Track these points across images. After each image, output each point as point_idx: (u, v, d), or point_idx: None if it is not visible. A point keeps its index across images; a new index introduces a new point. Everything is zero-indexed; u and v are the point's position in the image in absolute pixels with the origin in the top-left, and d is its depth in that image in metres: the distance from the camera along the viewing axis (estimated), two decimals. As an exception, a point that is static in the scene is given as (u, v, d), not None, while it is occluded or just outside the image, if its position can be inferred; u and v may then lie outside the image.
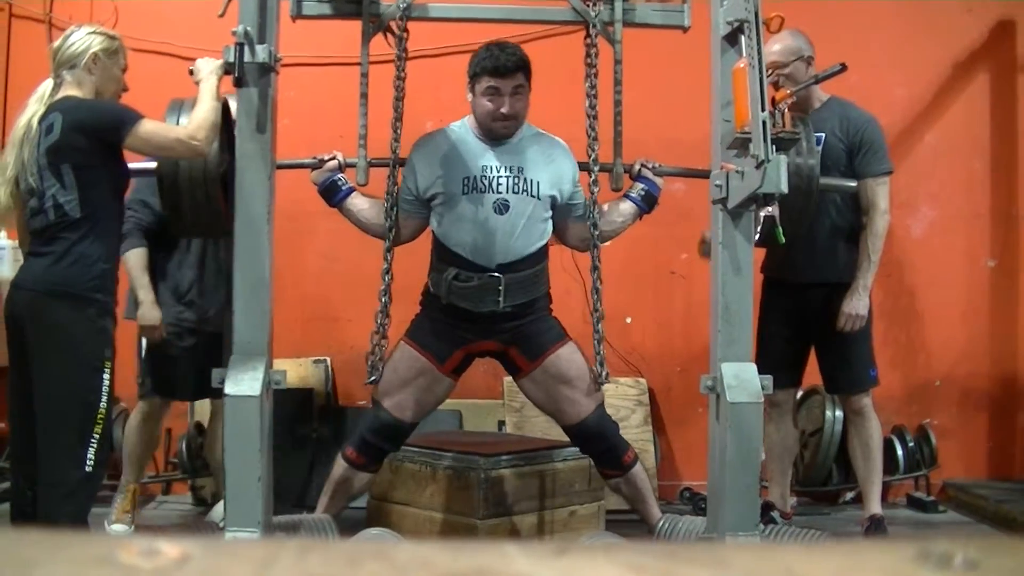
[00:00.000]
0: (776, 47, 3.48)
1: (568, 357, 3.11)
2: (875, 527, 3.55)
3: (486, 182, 3.02)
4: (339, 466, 3.12)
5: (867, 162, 3.46)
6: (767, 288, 3.68)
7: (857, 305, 3.44)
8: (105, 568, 0.55)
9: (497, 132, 3.04)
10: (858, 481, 3.70)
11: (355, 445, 3.11)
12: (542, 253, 3.12)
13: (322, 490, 3.18)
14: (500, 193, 3.02)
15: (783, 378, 3.47)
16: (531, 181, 3.04)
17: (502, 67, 2.99)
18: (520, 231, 3.03)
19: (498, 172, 3.03)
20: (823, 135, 3.46)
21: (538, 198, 3.04)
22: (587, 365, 3.10)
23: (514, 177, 3.03)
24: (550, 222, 3.12)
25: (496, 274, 3.00)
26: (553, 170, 3.08)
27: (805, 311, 3.59)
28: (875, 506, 3.59)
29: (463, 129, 3.11)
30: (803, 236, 3.33)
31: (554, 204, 3.10)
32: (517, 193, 3.03)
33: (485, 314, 3.02)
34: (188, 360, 3.52)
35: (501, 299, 3.00)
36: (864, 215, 3.49)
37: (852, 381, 3.60)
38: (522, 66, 3.03)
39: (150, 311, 3.44)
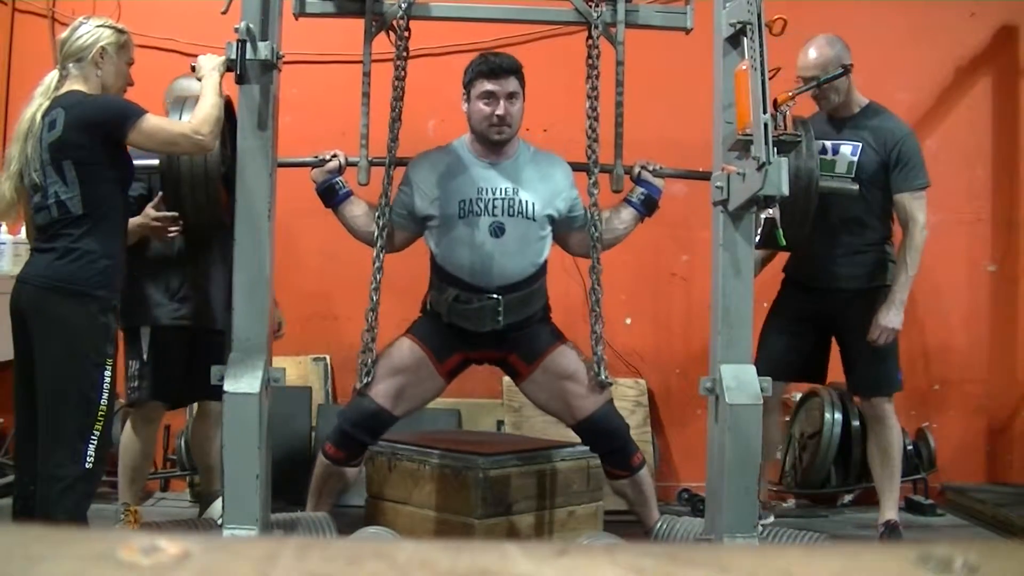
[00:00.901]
0: (814, 58, 3.43)
1: (566, 354, 3.14)
2: (890, 533, 3.54)
3: (481, 205, 3.04)
4: (319, 464, 3.13)
5: (904, 177, 3.44)
6: (786, 287, 3.68)
7: (894, 319, 3.43)
8: (106, 565, 0.55)
9: (491, 138, 3.05)
10: (875, 486, 3.67)
11: (333, 439, 3.10)
12: (541, 270, 3.16)
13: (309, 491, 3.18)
14: (495, 216, 3.04)
15: (776, 372, 3.43)
16: (526, 202, 3.06)
17: (497, 68, 3.03)
18: (517, 252, 3.06)
19: (493, 194, 3.05)
20: (859, 145, 3.45)
21: (534, 219, 3.07)
22: (588, 362, 3.11)
23: (509, 199, 3.05)
24: (548, 238, 3.15)
25: (496, 296, 3.03)
26: (548, 188, 3.10)
27: (823, 314, 3.58)
28: (891, 512, 3.58)
29: (460, 149, 3.12)
30: (829, 242, 3.34)
31: (552, 220, 3.12)
32: (512, 216, 3.05)
33: (486, 332, 3.07)
34: (189, 358, 3.39)
35: (501, 318, 3.04)
36: (903, 228, 3.48)
37: (877, 385, 3.59)
38: (516, 70, 3.06)
39: (137, 222, 3.16)
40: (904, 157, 3.45)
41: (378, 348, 3.08)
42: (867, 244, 3.52)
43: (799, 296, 3.60)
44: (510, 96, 3.03)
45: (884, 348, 3.48)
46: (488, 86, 3.02)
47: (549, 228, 3.13)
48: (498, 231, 3.04)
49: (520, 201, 3.05)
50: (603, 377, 3.05)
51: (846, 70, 3.15)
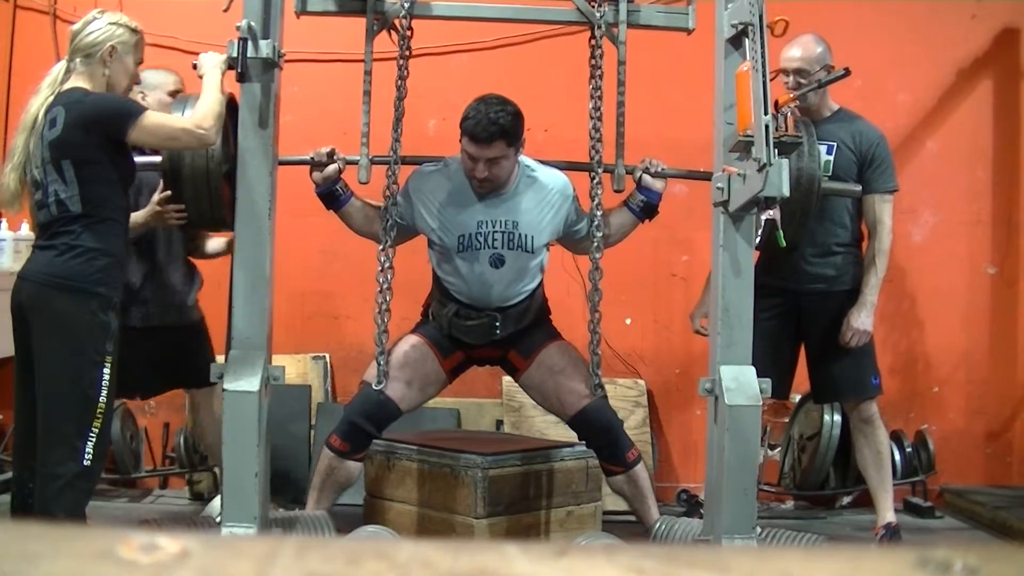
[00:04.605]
0: (798, 52, 3.43)
1: (559, 349, 3.20)
2: (892, 535, 3.53)
3: (481, 239, 3.07)
4: (324, 456, 3.13)
5: (875, 178, 3.45)
6: (756, 292, 3.64)
7: (865, 321, 3.43)
8: (105, 563, 0.55)
9: (475, 190, 3.05)
10: (870, 489, 3.64)
11: (339, 431, 3.11)
12: (539, 283, 3.23)
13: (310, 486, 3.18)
14: (495, 248, 3.08)
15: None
16: (525, 237, 3.09)
17: (479, 135, 2.93)
18: (515, 280, 3.13)
19: (493, 227, 3.07)
20: (834, 144, 3.45)
21: (532, 252, 3.11)
22: (582, 359, 3.15)
23: (508, 232, 3.08)
24: (546, 256, 3.21)
25: (494, 312, 3.12)
26: (548, 219, 3.13)
27: (799, 317, 3.57)
28: (889, 514, 3.57)
29: (460, 173, 3.10)
30: (802, 241, 3.32)
31: (551, 243, 3.19)
32: (512, 249, 3.09)
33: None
34: (144, 358, 3.31)
35: (499, 332, 3.14)
36: (869, 231, 3.48)
37: (854, 388, 3.57)
38: (501, 134, 2.93)
39: (144, 214, 3.19)
40: (878, 159, 3.46)
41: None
42: (840, 244, 3.51)
43: (775, 301, 3.52)
44: (491, 161, 2.97)
45: (860, 350, 3.48)
46: (470, 149, 2.96)
47: (547, 250, 3.20)
48: (498, 262, 3.08)
49: (520, 235, 3.08)
50: (597, 381, 3.06)
51: (847, 72, 3.14)
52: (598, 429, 3.12)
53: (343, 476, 3.12)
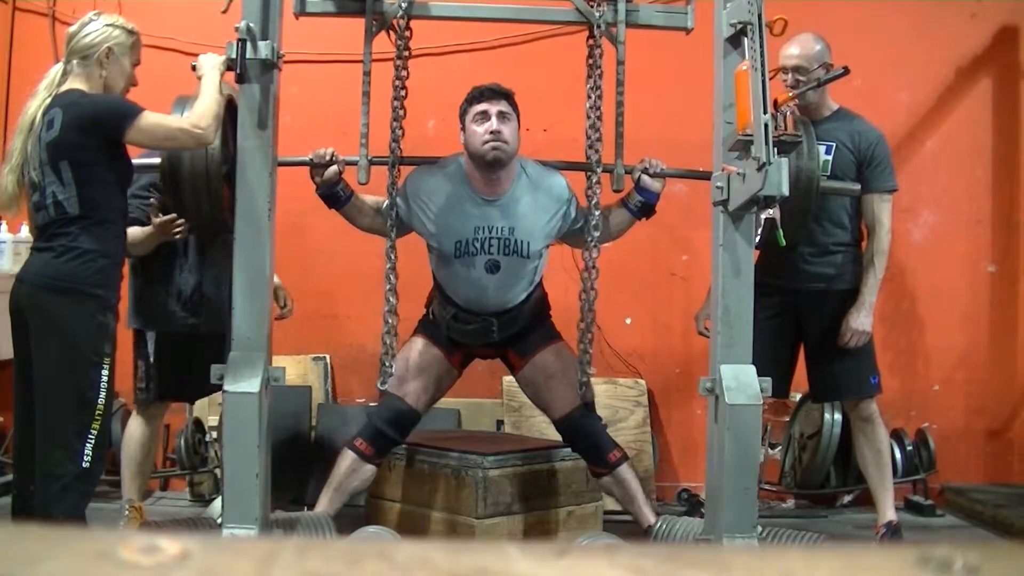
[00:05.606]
0: (796, 50, 3.43)
1: (555, 353, 3.24)
2: (893, 533, 3.53)
3: (477, 244, 3.09)
4: (346, 458, 3.15)
5: (875, 177, 3.44)
6: (756, 291, 3.63)
7: (864, 321, 3.43)
8: (106, 564, 0.55)
9: (488, 157, 3.02)
10: (870, 488, 3.64)
11: (366, 435, 3.15)
12: (537, 286, 3.26)
13: (324, 486, 3.19)
14: (491, 254, 3.10)
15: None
16: (522, 242, 3.10)
17: (487, 91, 3.08)
18: (512, 285, 3.16)
19: (490, 232, 3.09)
20: (833, 144, 3.45)
21: (528, 257, 3.13)
22: (576, 364, 3.14)
23: (505, 239, 3.10)
24: (544, 258, 3.23)
25: (491, 318, 3.18)
26: (544, 222, 3.13)
27: (798, 316, 3.57)
28: (890, 512, 3.57)
29: (458, 176, 3.12)
30: (802, 240, 3.32)
31: (549, 244, 3.22)
32: (508, 255, 3.10)
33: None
34: (198, 364, 3.35)
35: (496, 335, 3.21)
36: (868, 230, 3.48)
37: (854, 387, 3.57)
38: (507, 94, 3.09)
39: (148, 231, 3.23)
40: (878, 158, 3.46)
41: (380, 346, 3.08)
42: (839, 244, 3.51)
43: (772, 300, 3.48)
44: (502, 115, 3.04)
45: (859, 349, 3.47)
46: (479, 107, 3.05)
47: (546, 253, 3.22)
48: (493, 268, 3.11)
49: (516, 241, 3.10)
50: (585, 380, 3.05)
51: (846, 71, 3.14)
52: (580, 435, 3.19)
53: (360, 479, 3.17)
